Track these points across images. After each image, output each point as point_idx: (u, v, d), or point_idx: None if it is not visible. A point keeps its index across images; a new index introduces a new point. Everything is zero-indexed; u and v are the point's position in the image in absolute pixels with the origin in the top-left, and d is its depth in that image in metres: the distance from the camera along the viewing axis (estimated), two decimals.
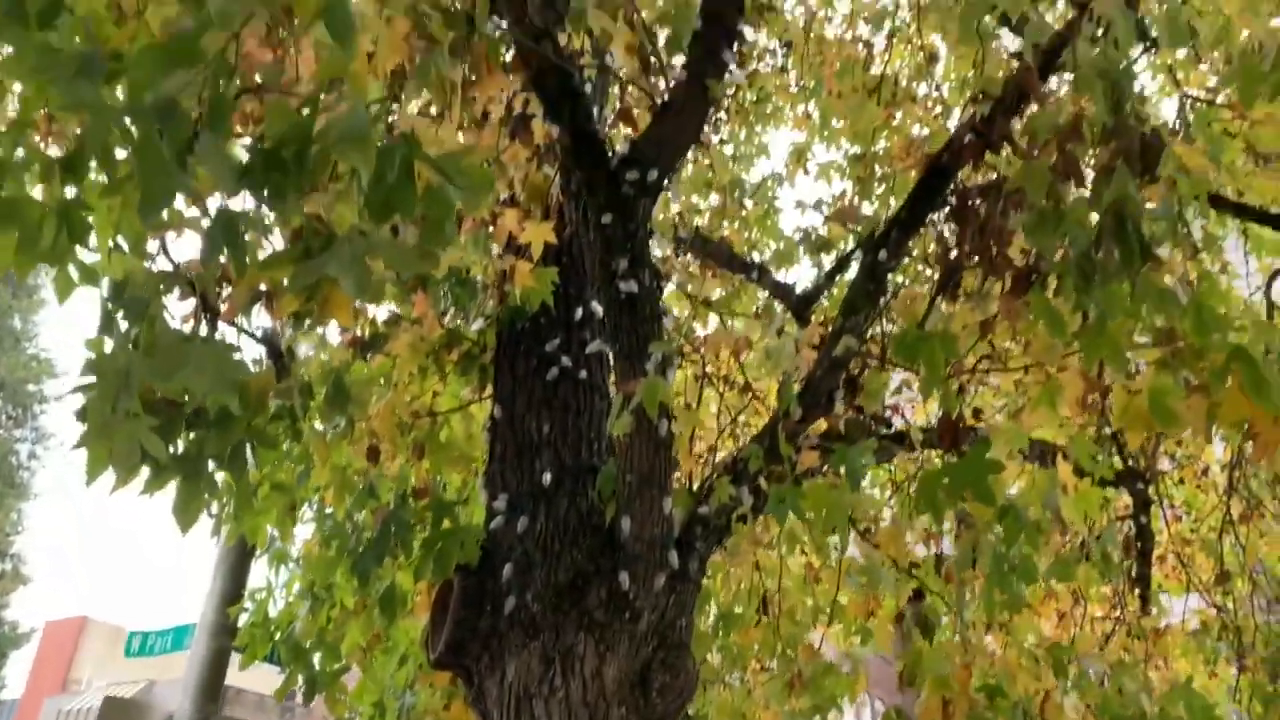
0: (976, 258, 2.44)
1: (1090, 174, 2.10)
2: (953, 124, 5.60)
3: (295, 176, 1.46)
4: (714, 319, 4.95)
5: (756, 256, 4.77)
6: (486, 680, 2.50)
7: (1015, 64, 2.58)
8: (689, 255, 3.84)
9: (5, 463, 22.17)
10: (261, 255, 1.74)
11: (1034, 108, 2.47)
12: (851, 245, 4.42)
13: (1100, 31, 2.28)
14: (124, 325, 1.74)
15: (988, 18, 2.46)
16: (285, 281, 1.63)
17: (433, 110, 2.33)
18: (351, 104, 1.44)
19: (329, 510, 2.99)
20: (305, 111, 1.44)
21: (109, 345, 2.14)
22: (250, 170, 1.45)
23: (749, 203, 3.98)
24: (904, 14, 5.78)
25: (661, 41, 2.35)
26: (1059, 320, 2.15)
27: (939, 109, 5.72)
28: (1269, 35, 2.79)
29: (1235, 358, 1.93)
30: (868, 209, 5.55)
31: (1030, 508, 2.62)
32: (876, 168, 5.51)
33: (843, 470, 2.31)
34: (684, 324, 3.91)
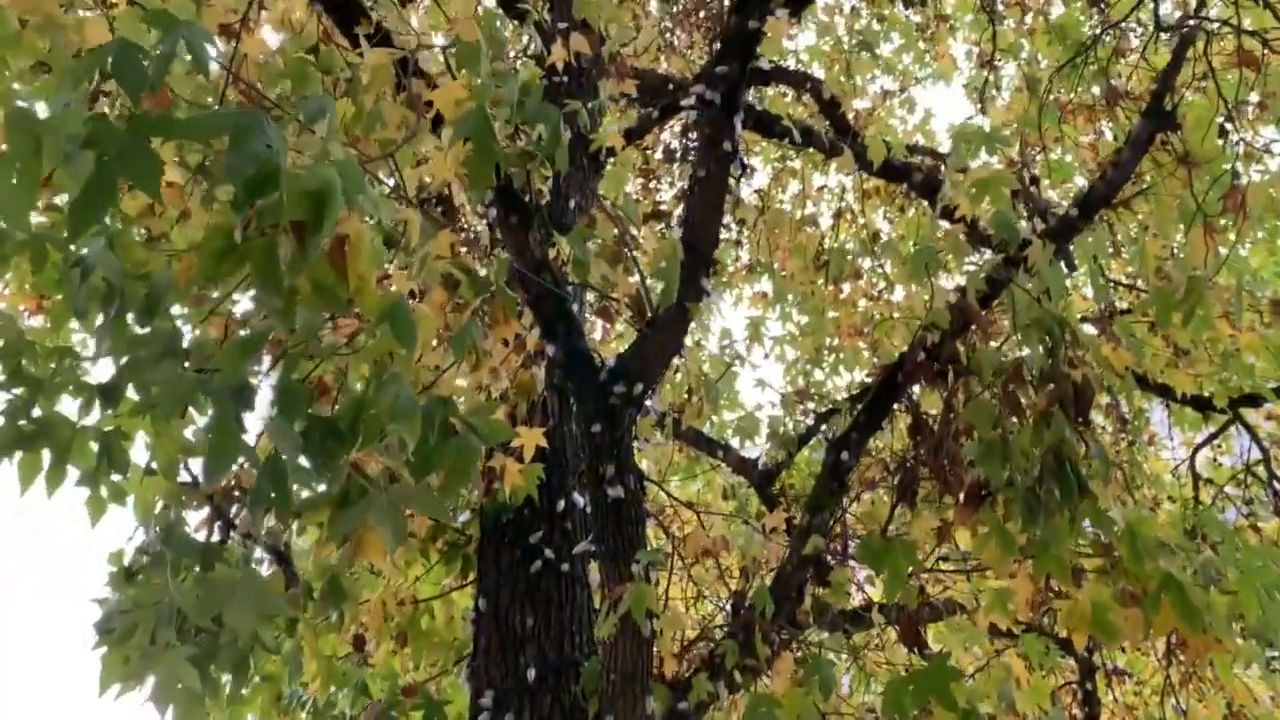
0: (931, 472, 2.69)
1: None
2: (897, 296, 6.04)
3: (349, 443, 1.66)
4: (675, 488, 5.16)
5: (718, 425, 5.03)
6: None
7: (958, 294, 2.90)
8: (660, 437, 4.07)
9: None
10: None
11: (977, 335, 2.78)
12: (809, 423, 4.70)
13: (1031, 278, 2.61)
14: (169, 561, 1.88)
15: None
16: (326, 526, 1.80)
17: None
18: (400, 383, 1.64)
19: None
20: (359, 387, 1.64)
21: (129, 554, 2.27)
22: (310, 437, 1.65)
23: (712, 396, 4.24)
24: (849, 197, 6.28)
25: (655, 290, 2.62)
26: (1008, 538, 2.39)
27: (883, 284, 6.15)
28: (1179, 268, 3.16)
29: (1166, 584, 2.17)
30: (819, 374, 5.89)
31: (987, 701, 2.81)
32: (827, 339, 5.87)
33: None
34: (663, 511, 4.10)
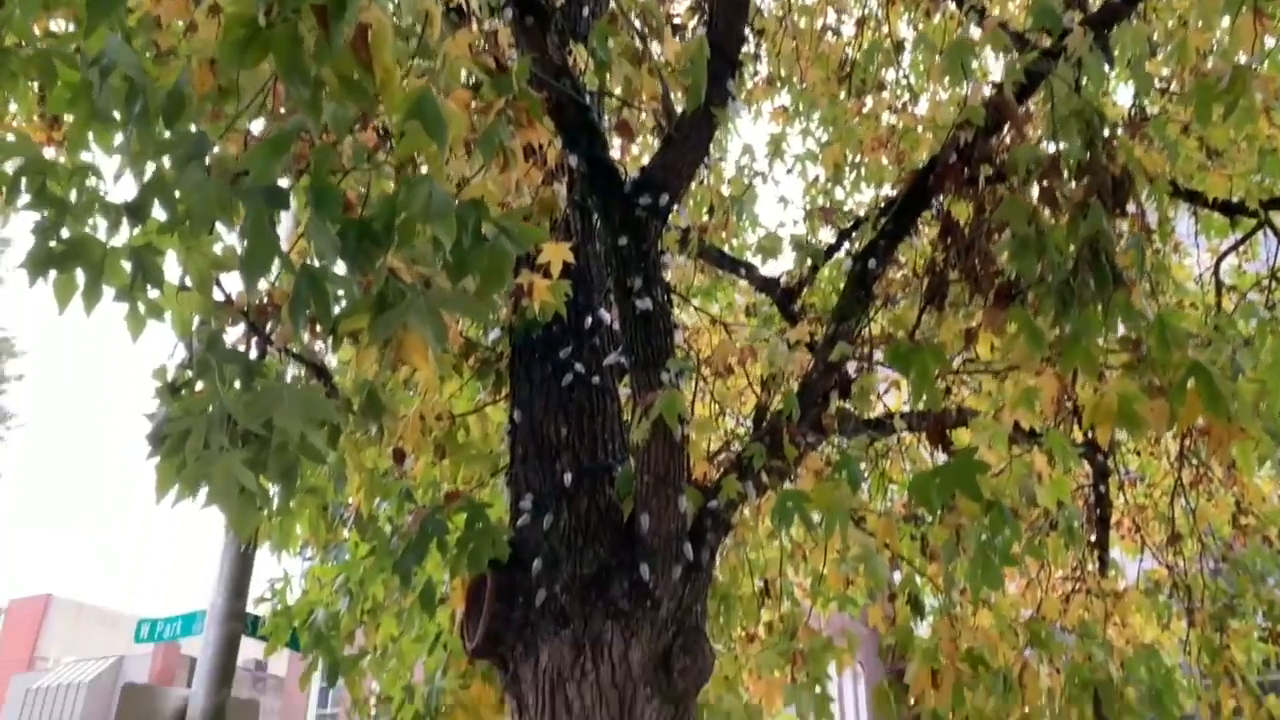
0: (961, 273, 2.68)
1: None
2: (920, 110, 5.85)
3: (385, 245, 1.65)
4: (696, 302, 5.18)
5: (740, 243, 5.00)
6: (521, 667, 2.73)
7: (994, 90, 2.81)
8: (683, 256, 4.05)
9: None
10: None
11: (1012, 134, 2.71)
12: (832, 239, 4.66)
13: (1074, 64, 2.51)
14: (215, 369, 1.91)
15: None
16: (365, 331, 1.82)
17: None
18: (433, 181, 1.62)
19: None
20: (393, 188, 1.63)
21: (172, 369, 2.32)
22: (345, 239, 1.64)
23: (739, 210, 4.18)
24: (873, 2, 6.00)
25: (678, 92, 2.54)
26: (1038, 335, 2.40)
27: (907, 96, 5.95)
28: (1223, 57, 3.03)
29: (1194, 372, 2.19)
30: (840, 193, 5.79)
31: (1009, 493, 2.91)
32: (848, 154, 5.73)
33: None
34: (687, 329, 4.13)
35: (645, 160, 3.26)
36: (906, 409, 3.75)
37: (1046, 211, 2.32)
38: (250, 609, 4.99)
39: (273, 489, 2.69)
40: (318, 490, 3.14)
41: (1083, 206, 2.20)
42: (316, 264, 1.76)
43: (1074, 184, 2.33)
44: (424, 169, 1.71)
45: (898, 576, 3.48)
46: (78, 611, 41.36)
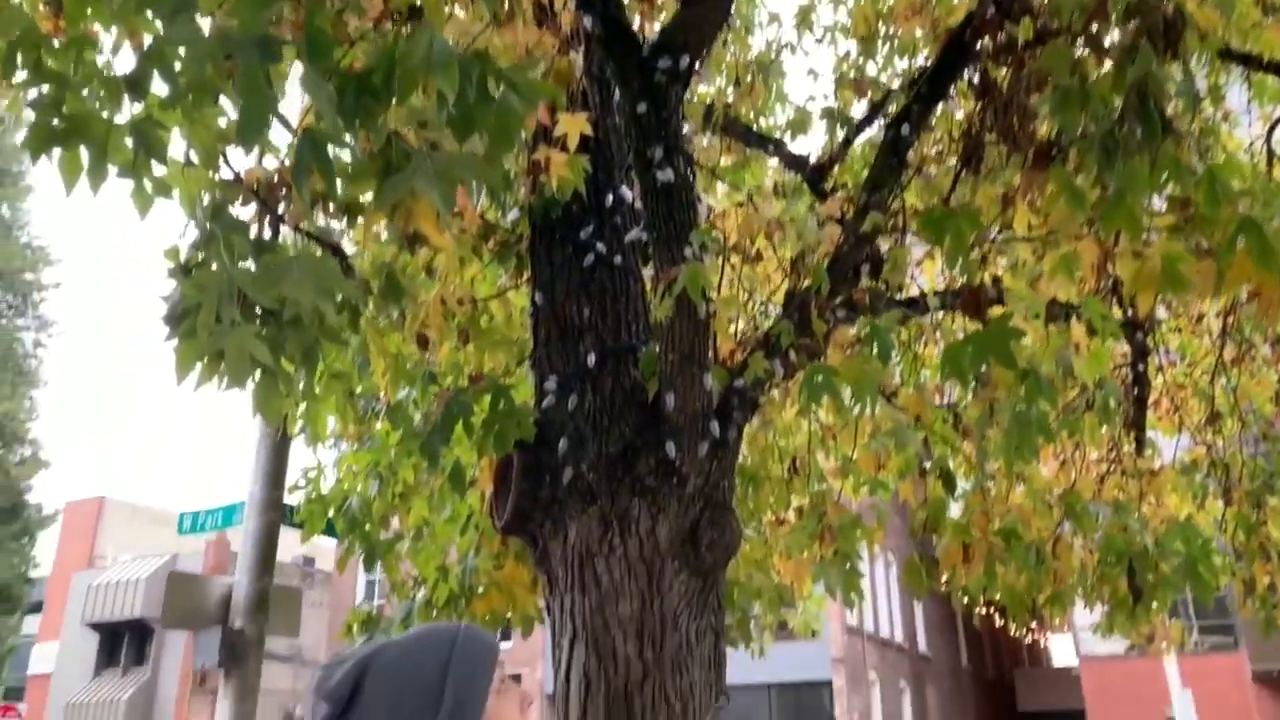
0: (999, 133, 2.55)
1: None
2: None
3: (384, 100, 1.57)
4: (723, 189, 5.05)
5: (768, 124, 4.82)
6: (550, 543, 2.74)
7: None
8: (708, 132, 3.91)
9: (11, 352, 22.36)
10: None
11: None
12: (864, 113, 4.48)
13: None
14: (221, 241, 1.86)
15: None
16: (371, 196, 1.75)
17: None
18: (433, 30, 1.53)
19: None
20: (391, 40, 1.53)
21: (185, 249, 2.27)
22: (344, 95, 1.56)
23: (766, 79, 4.01)
24: None
25: None
26: (1079, 194, 2.28)
27: None
28: None
29: (1244, 227, 2.08)
30: (871, 69, 5.55)
31: (1045, 366, 2.82)
32: (881, 26, 5.47)
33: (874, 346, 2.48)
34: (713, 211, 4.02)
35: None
36: (941, 289, 3.65)
37: (1091, 59, 2.18)
38: (288, 499, 5.08)
39: (295, 381, 2.66)
40: (343, 376, 3.12)
41: (1131, 50, 2.05)
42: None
43: (1120, 31, 2.17)
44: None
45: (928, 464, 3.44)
46: (131, 512, 42.93)
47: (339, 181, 1.79)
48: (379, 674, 1.20)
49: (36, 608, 41.46)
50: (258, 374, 1.92)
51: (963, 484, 3.58)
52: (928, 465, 3.27)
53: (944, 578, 3.30)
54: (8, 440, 21.75)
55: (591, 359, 2.89)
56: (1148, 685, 23.13)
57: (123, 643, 36.14)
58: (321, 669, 1.24)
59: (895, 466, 4.30)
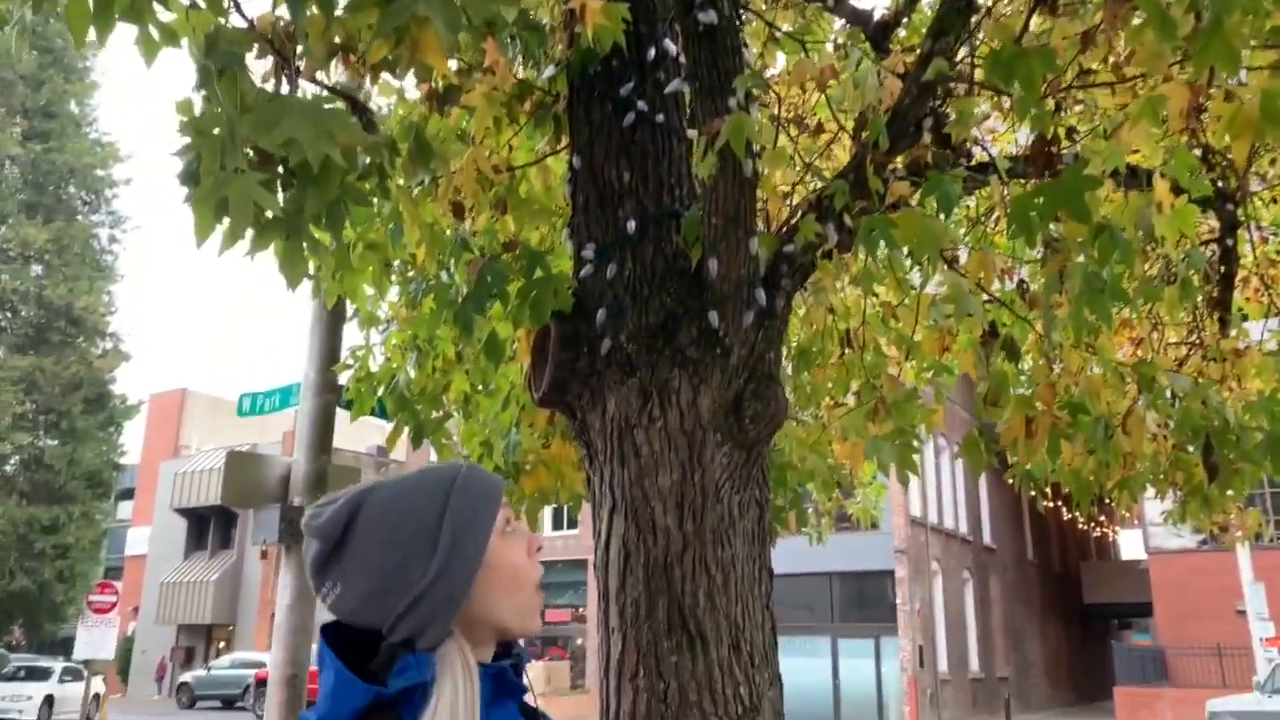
0: None
1: None
2: None
3: None
4: (782, 57, 4.75)
5: None
6: (589, 415, 2.65)
7: None
8: None
9: (87, 247, 22.96)
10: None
11: None
12: None
13: None
14: (219, 81, 1.74)
15: None
16: (372, 26, 1.61)
17: None
18: None
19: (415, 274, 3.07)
20: None
21: (199, 104, 2.16)
22: None
23: None
24: None
25: None
26: (1169, 23, 2.03)
27: None
28: None
29: None
30: None
31: (1123, 229, 2.59)
32: None
33: (933, 200, 2.29)
34: (757, 62, 3.76)
35: None
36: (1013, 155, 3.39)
37: None
38: (341, 380, 5.09)
39: (325, 246, 2.56)
40: (378, 245, 3.03)
41: None
42: None
43: None
44: None
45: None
46: (212, 404, 44.59)
47: (339, 7, 1.64)
48: (373, 511, 1.12)
49: (129, 494, 43.78)
50: (279, 238, 1.82)
51: (1026, 362, 3.39)
52: (991, 335, 3.07)
53: (1006, 457, 3.15)
54: (88, 333, 22.53)
55: (632, 225, 2.74)
56: (1218, 579, 22.87)
57: (209, 527, 38.01)
58: (312, 508, 1.15)
59: (961, 346, 4.12)
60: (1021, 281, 3.12)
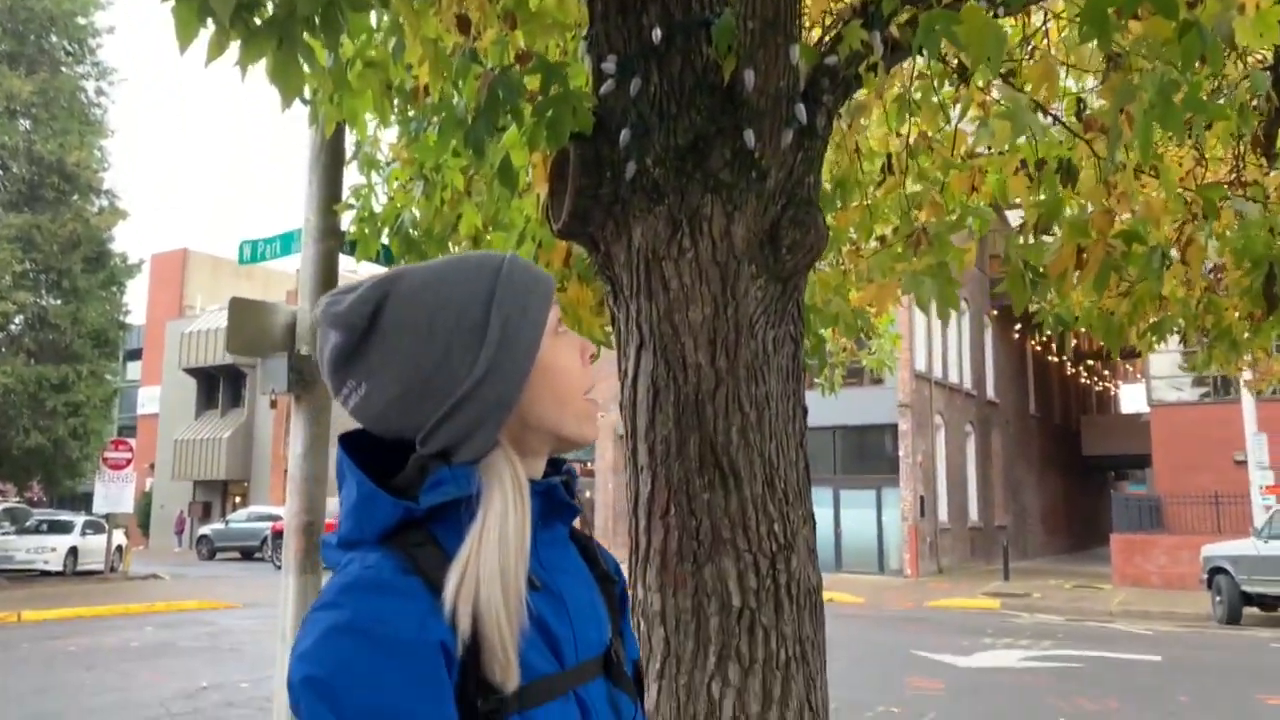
0: None
1: None
2: None
3: None
4: None
5: None
6: (613, 246, 2.48)
7: None
8: None
9: (74, 100, 22.20)
10: None
11: None
12: None
13: None
14: None
15: None
16: None
17: None
18: None
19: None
20: None
21: None
22: None
23: None
24: None
25: None
26: None
27: None
28: None
29: None
30: None
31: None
32: None
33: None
34: None
35: None
36: None
37: None
38: (344, 224, 4.89)
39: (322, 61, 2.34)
40: (378, 64, 2.78)
41: None
42: None
43: None
44: None
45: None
46: (214, 265, 44.37)
47: None
48: (405, 297, 0.93)
49: (137, 355, 44.06)
50: (269, 47, 1.60)
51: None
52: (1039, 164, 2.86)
53: (1015, 305, 2.98)
54: (82, 190, 22.04)
55: (657, 35, 2.48)
56: (1219, 430, 23.12)
57: (219, 386, 38.40)
58: (327, 296, 0.97)
59: (990, 186, 3.89)
60: (1079, 101, 2.88)
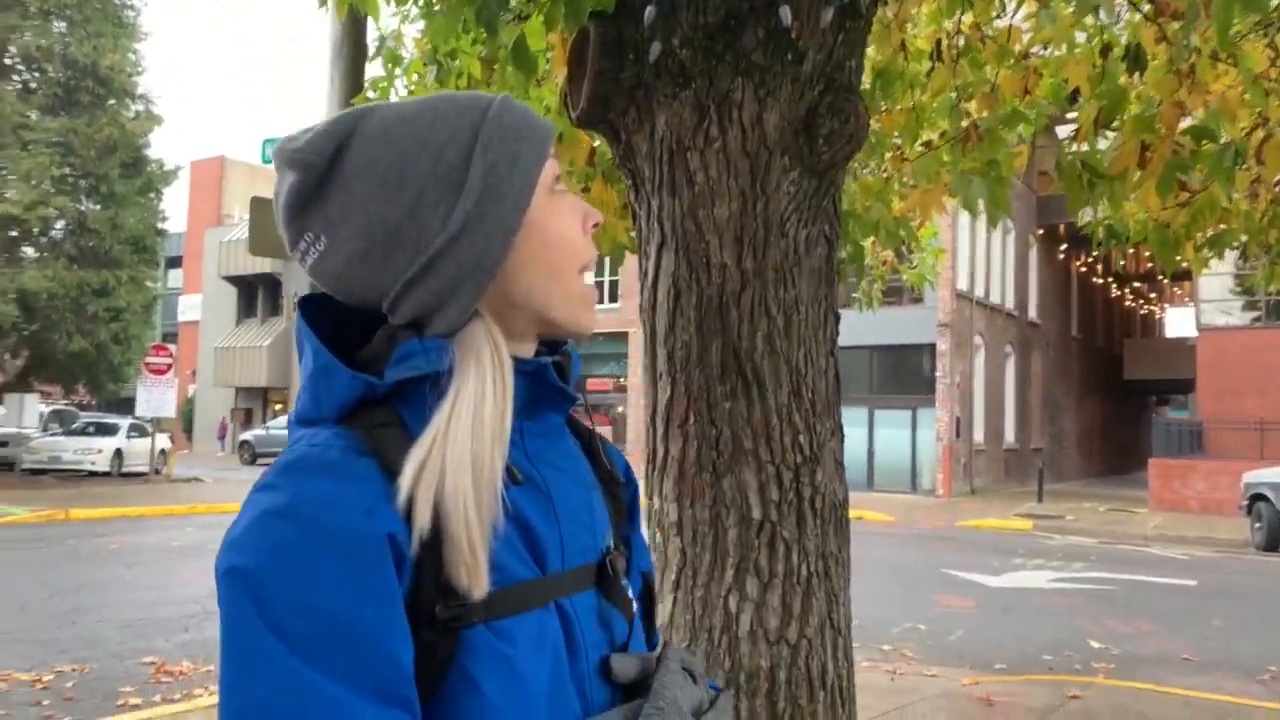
0: None
1: None
2: None
3: None
4: None
5: None
6: (634, 135, 2.30)
7: None
8: None
9: (108, 2, 21.92)
10: None
11: None
12: None
13: None
14: None
15: None
16: None
17: None
18: None
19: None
20: None
21: None
22: None
23: None
24: None
25: None
26: None
27: None
28: None
29: None
30: None
31: None
32: None
33: None
34: None
35: None
36: None
37: None
38: None
39: None
40: None
41: None
42: None
43: None
44: None
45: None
46: (250, 172, 44.37)
47: None
48: (373, 137, 0.79)
49: (177, 262, 44.48)
50: None
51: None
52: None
53: (1102, 209, 2.77)
54: (117, 94, 21.91)
55: None
56: (1268, 356, 22.57)
57: (258, 295, 38.74)
58: (286, 136, 0.83)
59: (1044, 91, 3.64)
60: None
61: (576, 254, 0.86)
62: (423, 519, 0.71)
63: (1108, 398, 36.23)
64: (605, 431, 28.53)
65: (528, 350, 0.87)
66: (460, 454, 0.73)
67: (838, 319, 2.39)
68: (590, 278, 0.90)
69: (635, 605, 0.91)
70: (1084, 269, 31.42)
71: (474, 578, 0.72)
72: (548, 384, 0.85)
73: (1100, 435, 35.52)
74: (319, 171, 0.79)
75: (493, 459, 0.75)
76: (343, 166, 0.79)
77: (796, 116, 2.20)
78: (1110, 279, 32.25)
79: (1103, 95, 2.41)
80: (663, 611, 2.26)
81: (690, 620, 2.21)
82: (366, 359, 0.79)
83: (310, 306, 0.84)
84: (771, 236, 2.20)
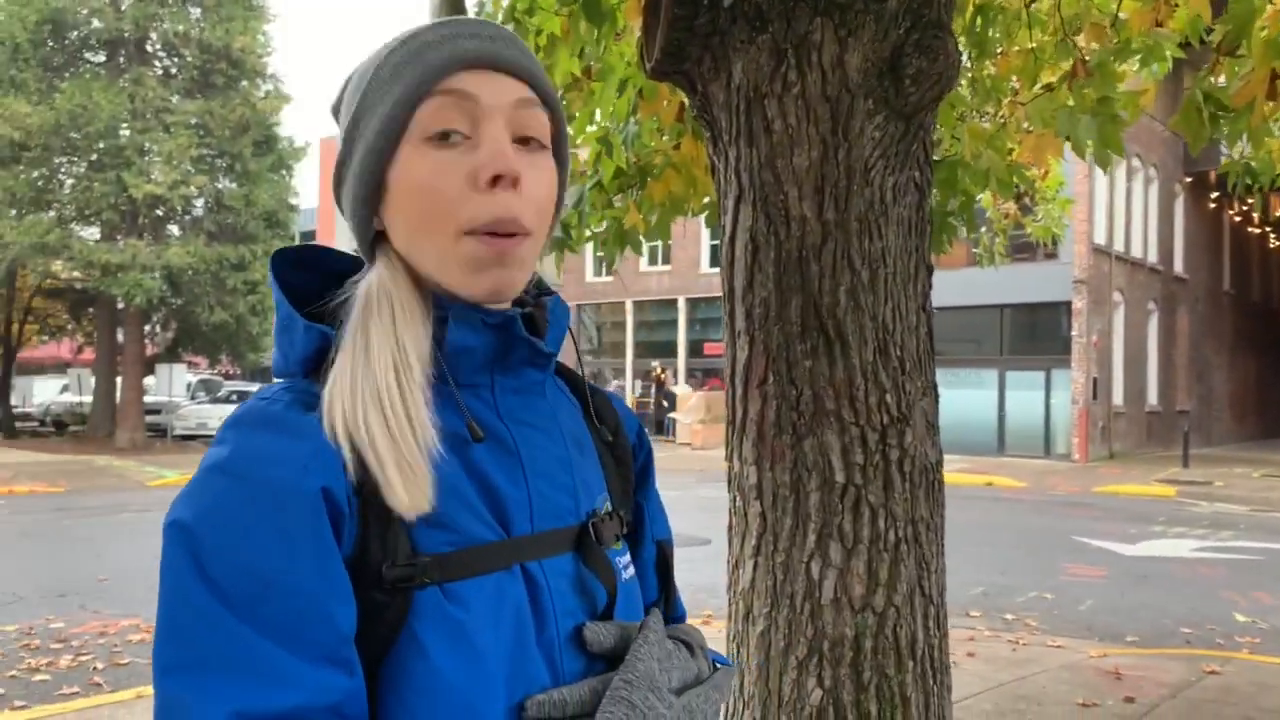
0: None
1: None
2: None
3: None
4: None
5: None
6: (711, 85, 2.21)
7: None
8: None
9: None
10: None
11: None
12: None
13: None
14: None
15: None
16: None
17: None
18: None
19: None
20: None
21: None
22: None
23: None
24: None
25: None
26: None
27: None
28: None
29: None
30: None
31: None
32: None
33: None
34: None
35: None
36: None
37: None
38: None
39: None
40: None
41: None
42: None
43: None
44: None
45: None
46: None
47: None
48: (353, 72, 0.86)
49: (312, 237, 46.29)
50: None
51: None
52: None
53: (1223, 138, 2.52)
54: (249, 75, 22.83)
55: None
56: None
57: None
58: None
59: (1179, 24, 3.34)
60: None
61: (450, 213, 0.76)
62: (351, 466, 0.69)
63: (1265, 355, 33.86)
64: (721, 395, 28.55)
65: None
66: (358, 388, 0.71)
67: (930, 271, 2.26)
68: (488, 240, 0.76)
69: (630, 573, 0.85)
70: (1238, 218, 29.28)
71: (415, 502, 0.69)
72: (516, 336, 0.79)
73: (1255, 396, 33.27)
74: (334, 113, 0.86)
75: (400, 388, 0.72)
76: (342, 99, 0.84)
77: (880, 57, 2.07)
78: (1268, 228, 29.99)
79: (1228, 18, 2.17)
80: (743, 577, 2.20)
81: (771, 586, 2.14)
82: (335, 309, 0.78)
83: (282, 261, 0.82)
84: (855, 185, 2.09)
